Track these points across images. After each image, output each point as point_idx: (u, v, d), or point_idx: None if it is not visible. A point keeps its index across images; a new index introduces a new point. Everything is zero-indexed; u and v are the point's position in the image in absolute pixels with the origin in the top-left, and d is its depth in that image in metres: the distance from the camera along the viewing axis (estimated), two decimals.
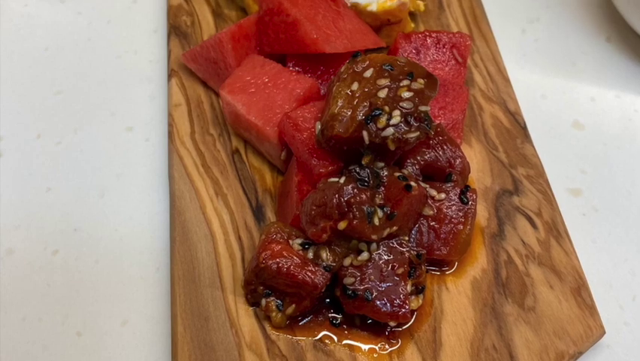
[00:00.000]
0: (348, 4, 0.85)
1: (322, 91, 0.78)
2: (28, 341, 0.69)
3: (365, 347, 0.65)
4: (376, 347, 0.65)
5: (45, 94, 0.88)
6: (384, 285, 0.64)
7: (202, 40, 0.89)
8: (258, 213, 0.74)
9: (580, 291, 0.69)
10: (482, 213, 0.74)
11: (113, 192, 0.79)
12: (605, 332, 0.67)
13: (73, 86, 0.89)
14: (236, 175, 0.77)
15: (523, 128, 0.81)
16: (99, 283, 0.73)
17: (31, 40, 0.94)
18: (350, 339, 0.66)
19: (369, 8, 0.85)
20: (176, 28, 0.90)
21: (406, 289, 0.64)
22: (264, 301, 0.66)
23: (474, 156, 0.78)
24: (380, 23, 0.87)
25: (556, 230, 0.73)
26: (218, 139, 0.80)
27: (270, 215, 0.74)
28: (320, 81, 0.79)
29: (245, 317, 0.67)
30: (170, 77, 0.85)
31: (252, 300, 0.67)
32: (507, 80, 0.86)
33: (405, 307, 0.63)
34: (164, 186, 0.79)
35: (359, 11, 0.85)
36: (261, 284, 0.66)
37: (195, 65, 0.84)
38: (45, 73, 0.90)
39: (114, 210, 0.78)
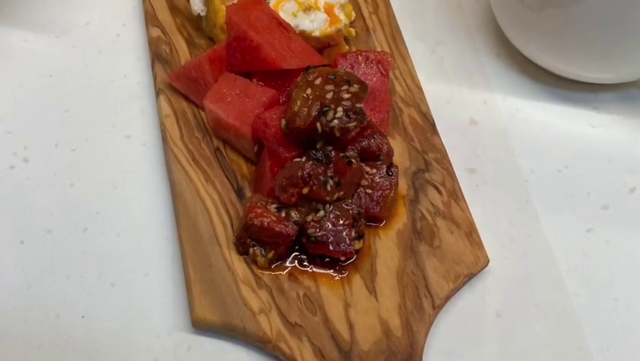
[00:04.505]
0: (297, 31, 1.01)
1: (281, 100, 0.96)
2: None
3: (324, 275, 0.87)
4: (332, 275, 0.87)
5: (55, 112, 1.06)
6: (336, 232, 0.85)
7: (180, 64, 1.06)
8: (239, 193, 0.94)
9: (471, 234, 0.91)
10: (403, 186, 0.94)
11: (122, 185, 0.99)
12: (489, 261, 0.89)
13: (78, 105, 1.07)
14: (220, 167, 0.96)
15: (432, 125, 1.01)
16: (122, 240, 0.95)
17: (37, 69, 1.11)
18: (313, 271, 0.87)
19: (314, 34, 1.03)
20: (158, 56, 1.08)
21: (351, 234, 0.85)
22: (251, 250, 0.86)
23: (396, 145, 0.97)
24: (322, 46, 1.04)
25: (455, 195, 0.94)
26: (203, 140, 0.99)
27: (249, 194, 0.93)
28: (279, 92, 0.97)
29: (238, 263, 0.87)
30: (157, 94, 1.03)
31: (242, 250, 0.87)
32: (420, 89, 1.06)
33: (350, 247, 0.85)
34: (162, 178, 0.98)
35: (305, 37, 1.02)
36: (248, 237, 0.85)
37: (179, 83, 1.02)
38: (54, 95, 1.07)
39: (127, 196, 0.98)
